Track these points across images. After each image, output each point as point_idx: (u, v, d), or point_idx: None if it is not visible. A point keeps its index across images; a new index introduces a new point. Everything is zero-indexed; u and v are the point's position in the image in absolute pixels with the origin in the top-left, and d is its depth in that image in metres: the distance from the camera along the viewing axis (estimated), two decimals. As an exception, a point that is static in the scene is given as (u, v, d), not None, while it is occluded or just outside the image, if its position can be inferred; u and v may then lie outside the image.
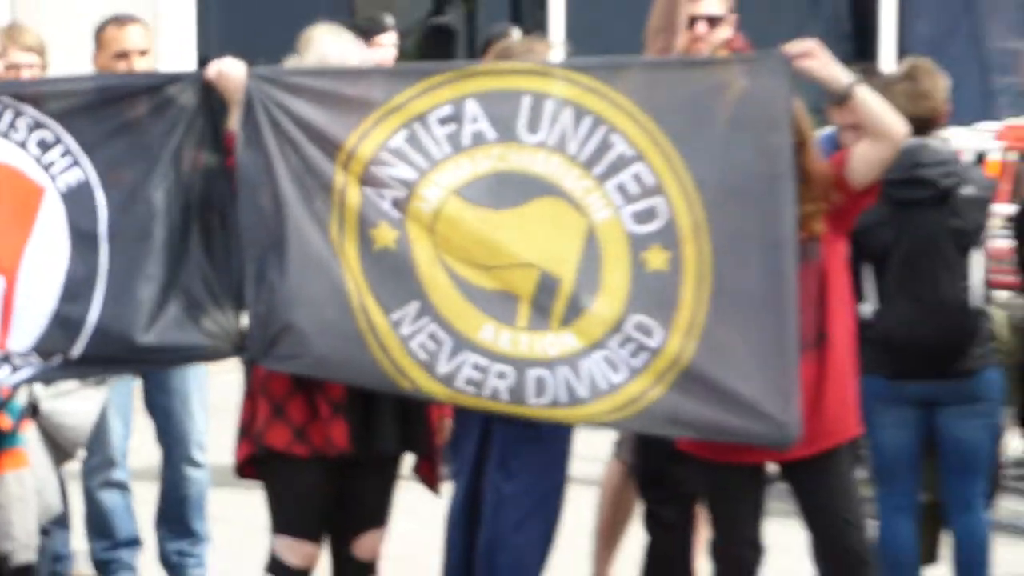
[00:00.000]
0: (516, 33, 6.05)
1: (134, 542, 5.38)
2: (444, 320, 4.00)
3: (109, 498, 5.32)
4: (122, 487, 5.35)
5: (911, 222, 4.68)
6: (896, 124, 4.02)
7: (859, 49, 10.96)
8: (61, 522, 4.92)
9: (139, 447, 5.61)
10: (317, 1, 9.39)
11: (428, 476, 4.28)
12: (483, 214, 3.97)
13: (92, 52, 5.24)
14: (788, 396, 3.86)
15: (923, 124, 4.61)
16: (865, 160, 4.02)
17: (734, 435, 3.95)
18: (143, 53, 5.15)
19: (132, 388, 5.33)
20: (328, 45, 4.21)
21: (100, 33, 5.24)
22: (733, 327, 3.91)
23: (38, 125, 4.17)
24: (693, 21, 4.49)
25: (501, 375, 3.94)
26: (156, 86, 4.22)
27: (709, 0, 4.52)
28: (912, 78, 4.72)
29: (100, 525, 5.36)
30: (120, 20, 5.29)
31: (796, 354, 3.89)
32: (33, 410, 4.59)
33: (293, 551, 4.09)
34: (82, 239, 4.14)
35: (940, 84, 4.76)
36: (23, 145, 4.17)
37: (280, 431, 4.02)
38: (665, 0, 4.37)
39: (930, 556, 4.97)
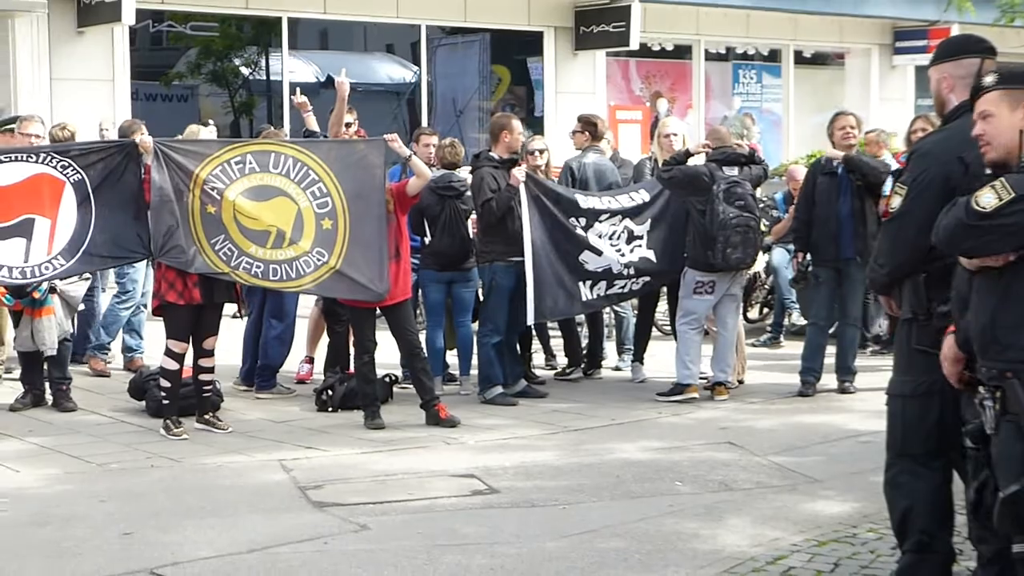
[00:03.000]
0: (271, 128, 11.01)
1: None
2: (235, 242, 8.65)
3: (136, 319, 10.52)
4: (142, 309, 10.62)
5: (447, 204, 9.93)
6: (427, 173, 9.03)
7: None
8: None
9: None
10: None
11: (239, 308, 9.22)
12: (253, 202, 8.68)
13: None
14: (383, 279, 8.80)
15: (454, 165, 9.86)
16: (414, 185, 8.96)
17: (361, 296, 8.89)
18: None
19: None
20: (193, 131, 9.22)
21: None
22: (359, 253, 8.77)
23: (61, 158, 8.65)
24: (348, 125, 9.68)
25: (258, 266, 8.70)
26: (114, 145, 9.14)
27: (348, 117, 9.66)
28: (453, 146, 9.93)
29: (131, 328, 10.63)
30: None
31: (387, 262, 8.79)
32: (52, 289, 9.33)
33: (177, 345, 8.68)
34: (81, 206, 8.63)
35: (462, 150, 9.96)
36: (50, 164, 8.62)
37: (173, 293, 8.62)
38: (335, 116, 9.48)
39: (450, 345, 10.22)
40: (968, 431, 4.08)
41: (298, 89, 11.04)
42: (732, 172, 9.73)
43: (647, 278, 10.09)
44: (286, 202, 8.84)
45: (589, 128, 10.95)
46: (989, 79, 4.21)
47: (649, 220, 10.06)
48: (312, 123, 9.99)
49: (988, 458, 4.01)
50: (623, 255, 9.95)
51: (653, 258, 10.04)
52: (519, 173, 9.63)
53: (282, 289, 9.19)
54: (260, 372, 10.05)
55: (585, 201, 9.93)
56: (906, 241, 4.60)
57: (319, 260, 8.83)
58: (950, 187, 4.42)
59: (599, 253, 9.85)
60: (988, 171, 4.16)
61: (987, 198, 3.84)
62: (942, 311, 4.51)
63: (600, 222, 9.91)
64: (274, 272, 8.84)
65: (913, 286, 4.66)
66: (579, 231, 9.84)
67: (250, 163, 8.82)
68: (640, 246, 10.03)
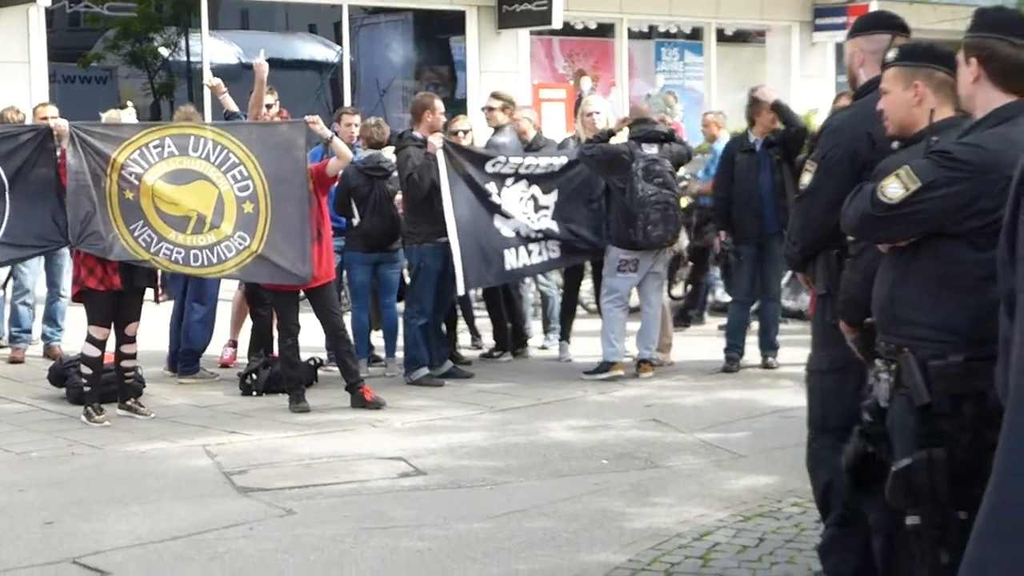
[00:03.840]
0: (191, 107, 10.73)
1: (30, 329, 10.46)
2: (154, 228, 8.64)
3: (22, 309, 10.34)
4: (28, 305, 10.48)
5: (375, 184, 9.86)
6: (348, 154, 9.00)
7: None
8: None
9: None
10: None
11: (157, 296, 9.24)
12: (171, 187, 8.67)
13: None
14: (305, 262, 8.78)
15: (380, 145, 9.83)
16: (334, 167, 8.93)
17: (284, 280, 8.88)
18: None
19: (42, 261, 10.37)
20: (114, 116, 9.08)
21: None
22: (282, 236, 8.76)
23: None
24: (268, 106, 9.61)
25: (178, 252, 8.69)
26: (28, 129, 9.04)
27: (269, 98, 9.60)
28: (379, 125, 9.91)
29: (16, 321, 10.41)
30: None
31: (309, 245, 8.77)
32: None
33: (98, 331, 8.60)
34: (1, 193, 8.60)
35: (387, 130, 9.93)
36: None
37: (92, 279, 8.54)
38: (255, 98, 9.40)
39: (375, 326, 10.18)
40: (865, 405, 4.13)
41: (209, 72, 10.92)
42: (652, 150, 9.76)
43: (560, 244, 10.11)
44: (206, 186, 8.79)
45: (505, 106, 10.90)
46: (890, 55, 4.26)
47: (556, 191, 10.10)
48: (230, 103, 9.86)
49: (885, 432, 4.05)
50: (531, 220, 9.99)
51: (557, 229, 10.08)
52: (436, 140, 9.61)
53: (204, 275, 9.17)
54: (183, 357, 9.98)
55: (492, 166, 9.91)
56: (817, 218, 4.63)
57: (241, 244, 8.80)
58: (859, 163, 4.45)
59: (508, 217, 9.88)
60: (894, 145, 4.20)
61: (893, 188, 3.86)
62: None
63: (507, 187, 9.94)
64: (195, 257, 8.81)
65: (826, 261, 4.69)
66: (494, 198, 9.87)
67: (169, 147, 8.75)
68: (546, 216, 10.07)
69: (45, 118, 9.74)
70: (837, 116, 5.04)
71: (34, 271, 10.81)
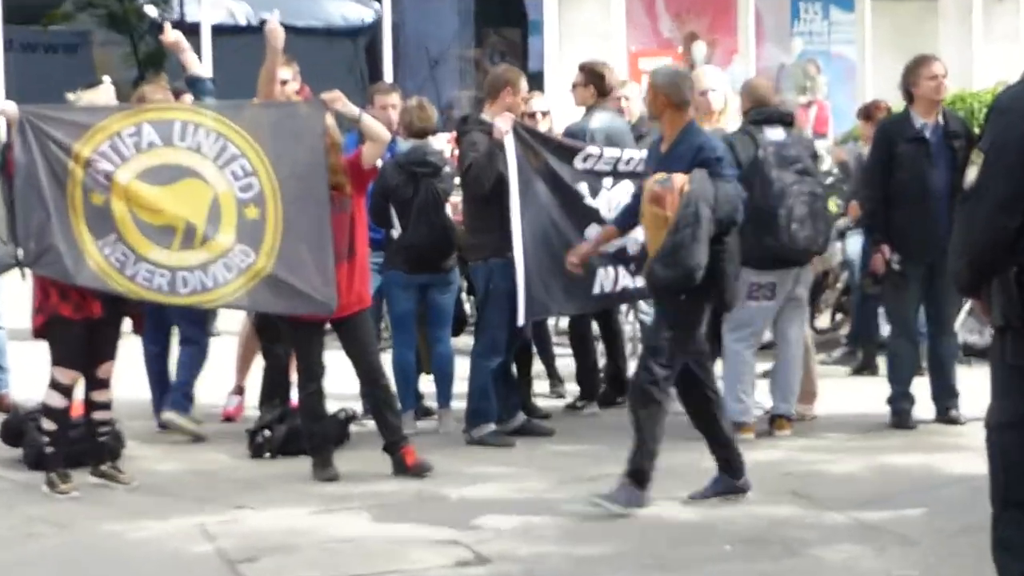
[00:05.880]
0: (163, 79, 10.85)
1: None
2: (129, 244, 8.53)
3: None
4: None
5: (421, 184, 9.84)
6: (384, 134, 9.01)
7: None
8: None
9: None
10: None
11: (138, 328, 9.20)
12: (153, 189, 8.59)
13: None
14: (329, 284, 8.69)
15: (425, 133, 9.85)
16: (369, 153, 8.95)
17: (302, 309, 8.79)
18: None
19: None
20: (89, 96, 9.07)
21: None
22: (298, 251, 8.67)
23: None
24: (284, 83, 9.65)
25: (163, 275, 8.59)
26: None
27: (285, 71, 9.64)
28: (422, 108, 9.90)
29: None
30: None
31: (332, 263, 8.67)
32: None
33: (66, 375, 8.45)
34: None
35: (435, 113, 9.95)
36: None
37: (67, 306, 8.44)
38: (266, 71, 9.39)
39: (425, 368, 10.22)
40: None
41: (167, 24, 10.83)
42: (777, 134, 9.67)
43: None
44: (197, 185, 8.77)
45: (594, 80, 10.85)
46: None
47: None
48: (193, 64, 9.75)
49: None
50: (638, 231, 9.85)
51: None
52: (502, 123, 9.57)
53: (197, 305, 9.12)
54: (173, 396, 10.05)
55: (583, 160, 9.88)
56: (987, 224, 4.63)
57: (244, 262, 8.76)
58: None
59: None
60: None
61: None
62: None
63: (607, 190, 9.93)
64: (184, 282, 8.77)
65: (1003, 284, 4.67)
66: (588, 201, 9.83)
67: (148, 135, 8.74)
68: None
69: None
70: (1007, 92, 4.98)
71: None
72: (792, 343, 9.98)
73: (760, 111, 9.82)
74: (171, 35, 9.77)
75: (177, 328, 10.14)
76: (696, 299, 8.01)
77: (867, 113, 12.47)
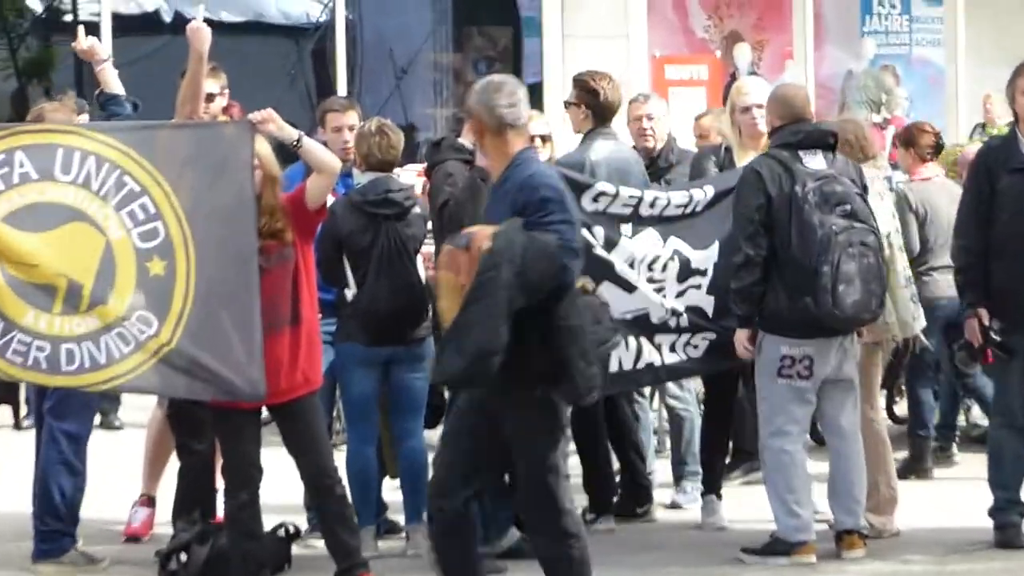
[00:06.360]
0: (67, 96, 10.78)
1: None
2: None
3: None
4: None
5: (383, 230, 9.65)
6: (333, 162, 8.85)
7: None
8: None
9: None
10: None
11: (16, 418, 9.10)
12: (26, 236, 8.43)
13: None
14: (256, 362, 8.49)
15: (389, 165, 9.69)
16: (316, 188, 8.79)
17: (218, 394, 8.59)
18: None
19: None
20: None
21: None
22: (213, 317, 8.50)
23: None
24: (210, 97, 9.51)
25: (39, 348, 8.47)
26: None
27: (211, 83, 9.50)
28: (383, 134, 9.73)
29: None
30: None
31: (259, 335, 8.48)
32: None
33: None
34: None
35: (400, 138, 9.79)
36: None
37: None
38: (188, 83, 9.23)
39: (391, 471, 10.04)
40: None
41: (81, 29, 10.74)
42: (817, 162, 9.55)
43: (714, 335, 10.01)
44: (85, 231, 8.70)
45: (586, 98, 10.74)
46: None
47: (717, 244, 10.00)
48: (110, 81, 9.77)
49: None
50: (665, 294, 9.93)
51: (711, 309, 10.02)
52: None
53: (84, 387, 9.01)
54: (41, 525, 9.74)
55: (593, 200, 9.80)
56: None
57: (144, 333, 8.64)
58: None
59: (630, 289, 9.81)
60: None
61: None
62: None
63: (627, 238, 9.91)
64: (69, 357, 8.68)
65: None
66: (597, 251, 9.74)
67: (21, 166, 8.70)
68: (699, 287, 10.03)
69: None
70: None
71: None
72: (847, 436, 9.86)
73: (795, 130, 9.68)
74: (85, 42, 9.74)
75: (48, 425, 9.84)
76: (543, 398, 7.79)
77: (907, 139, 12.48)
